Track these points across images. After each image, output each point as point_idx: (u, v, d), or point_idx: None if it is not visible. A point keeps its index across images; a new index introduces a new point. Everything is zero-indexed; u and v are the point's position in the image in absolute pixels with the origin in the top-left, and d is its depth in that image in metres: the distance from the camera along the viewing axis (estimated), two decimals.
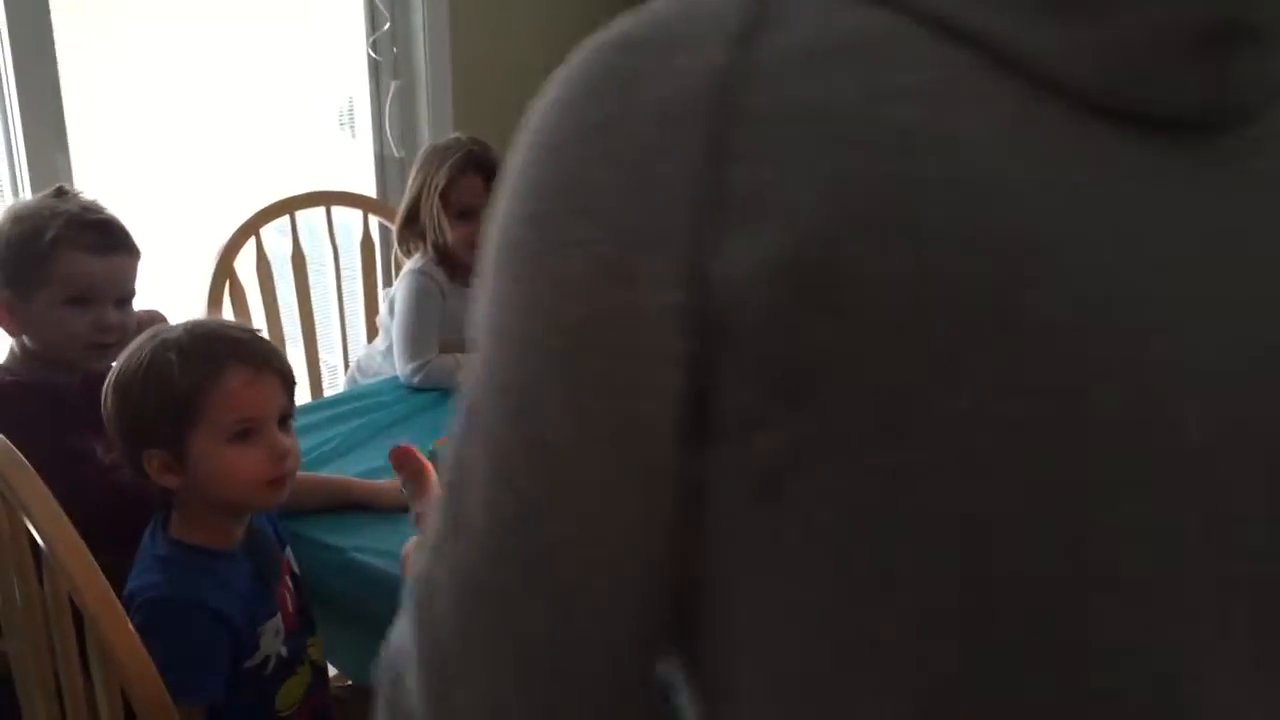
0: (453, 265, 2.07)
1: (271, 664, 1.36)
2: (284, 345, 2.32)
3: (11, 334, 1.60)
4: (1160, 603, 0.48)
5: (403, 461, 0.95)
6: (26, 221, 1.56)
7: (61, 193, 1.62)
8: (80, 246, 1.56)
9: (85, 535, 1.17)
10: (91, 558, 1.07)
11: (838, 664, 0.49)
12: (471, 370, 0.54)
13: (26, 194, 2.27)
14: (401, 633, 0.56)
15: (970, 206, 0.45)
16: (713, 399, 0.48)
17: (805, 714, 0.51)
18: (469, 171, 2.03)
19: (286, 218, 2.36)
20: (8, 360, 1.63)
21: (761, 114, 0.46)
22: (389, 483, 1.60)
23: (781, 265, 0.45)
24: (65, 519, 1.08)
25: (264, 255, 2.31)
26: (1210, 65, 0.47)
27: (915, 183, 0.45)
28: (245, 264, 2.29)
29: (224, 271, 2.24)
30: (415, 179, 2.08)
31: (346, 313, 2.47)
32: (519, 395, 0.50)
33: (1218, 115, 0.48)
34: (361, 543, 1.48)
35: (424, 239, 2.07)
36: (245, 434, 1.32)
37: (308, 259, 2.38)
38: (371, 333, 2.48)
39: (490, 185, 2.02)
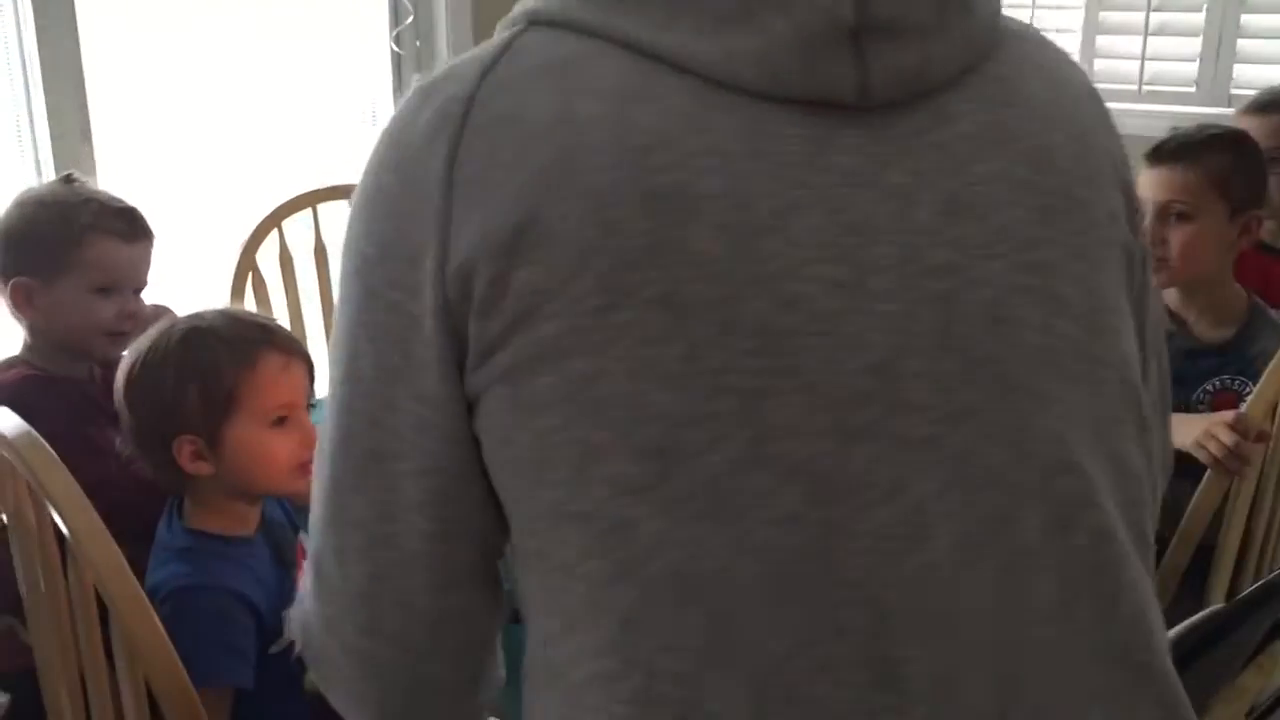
0: None
1: (297, 648, 1.36)
2: (305, 339, 2.32)
3: (25, 321, 1.60)
4: (811, 408, 0.63)
5: None
6: (54, 208, 1.56)
7: (69, 180, 1.63)
8: (112, 233, 1.57)
9: (108, 529, 1.17)
10: (118, 550, 1.07)
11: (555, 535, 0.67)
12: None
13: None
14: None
15: (635, 173, 0.62)
16: (465, 336, 0.66)
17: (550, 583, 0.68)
18: None
19: (309, 211, 2.36)
20: (22, 352, 1.63)
21: (479, 125, 0.65)
22: None
23: (492, 235, 0.63)
24: (92, 511, 1.08)
25: (286, 248, 2.31)
26: (852, 57, 0.63)
27: (591, 156, 0.63)
28: (266, 257, 2.29)
29: (247, 264, 2.24)
30: None
31: None
32: (347, 347, 0.71)
33: (867, 98, 0.64)
34: None
35: None
36: (282, 420, 1.33)
37: (329, 253, 2.38)
38: None
39: None
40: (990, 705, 0.64)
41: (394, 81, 3.04)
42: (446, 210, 0.65)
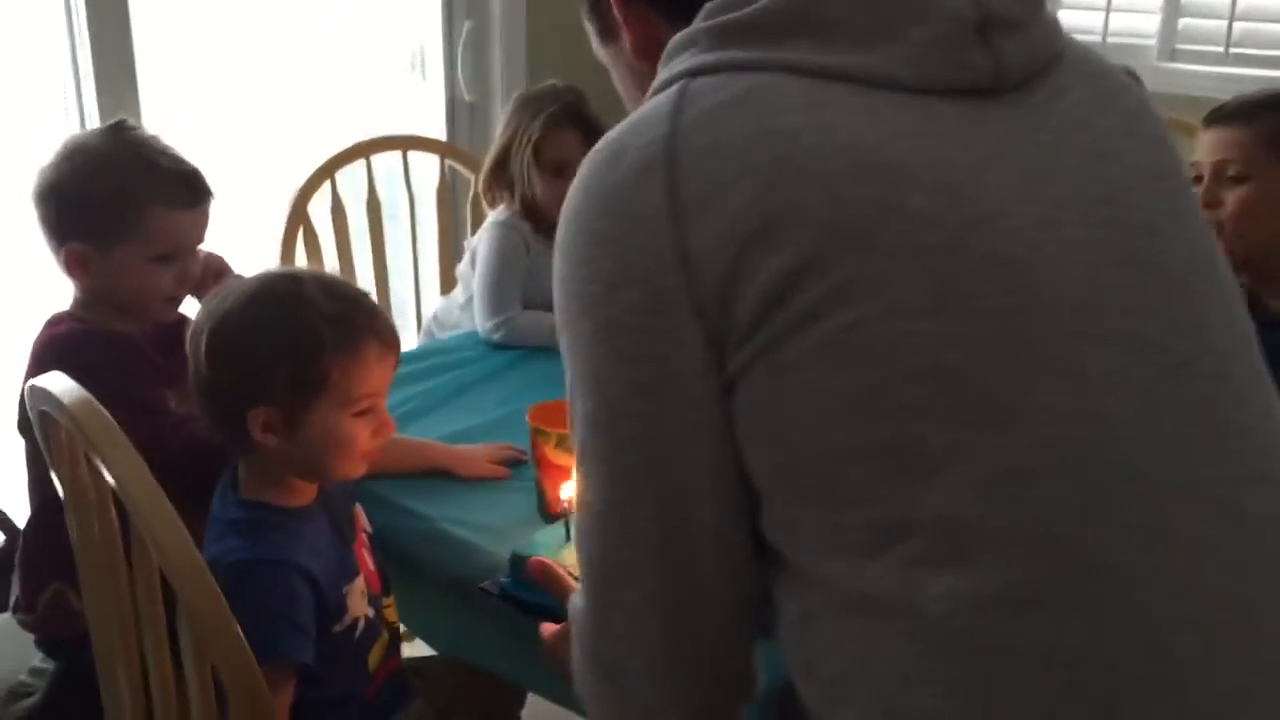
0: (539, 219, 1.98)
1: (360, 627, 1.29)
2: None
3: (79, 284, 1.52)
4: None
5: (542, 573, 1.12)
6: (111, 173, 1.46)
7: (122, 128, 1.53)
8: (173, 203, 1.48)
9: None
10: (183, 527, 1.00)
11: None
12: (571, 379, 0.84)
13: None
14: (578, 589, 0.90)
15: (850, 159, 0.75)
16: (723, 329, 0.76)
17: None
18: (564, 125, 1.94)
19: (360, 162, 2.28)
20: (72, 307, 1.55)
21: (690, 155, 0.77)
22: (473, 449, 1.54)
23: (736, 238, 0.75)
24: (156, 486, 1.02)
25: (339, 200, 2.24)
26: (983, 48, 0.79)
27: (807, 155, 0.75)
28: (317, 208, 2.22)
29: (298, 216, 2.17)
30: (506, 127, 1.98)
31: (421, 261, 2.39)
32: (592, 378, 0.81)
33: (1002, 82, 0.79)
34: (450, 512, 1.41)
35: (511, 191, 1.98)
36: (366, 409, 1.26)
37: (381, 203, 2.31)
38: (446, 282, 2.41)
39: (587, 140, 1.93)
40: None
41: (443, 29, 2.95)
42: (679, 232, 0.76)
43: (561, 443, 1.37)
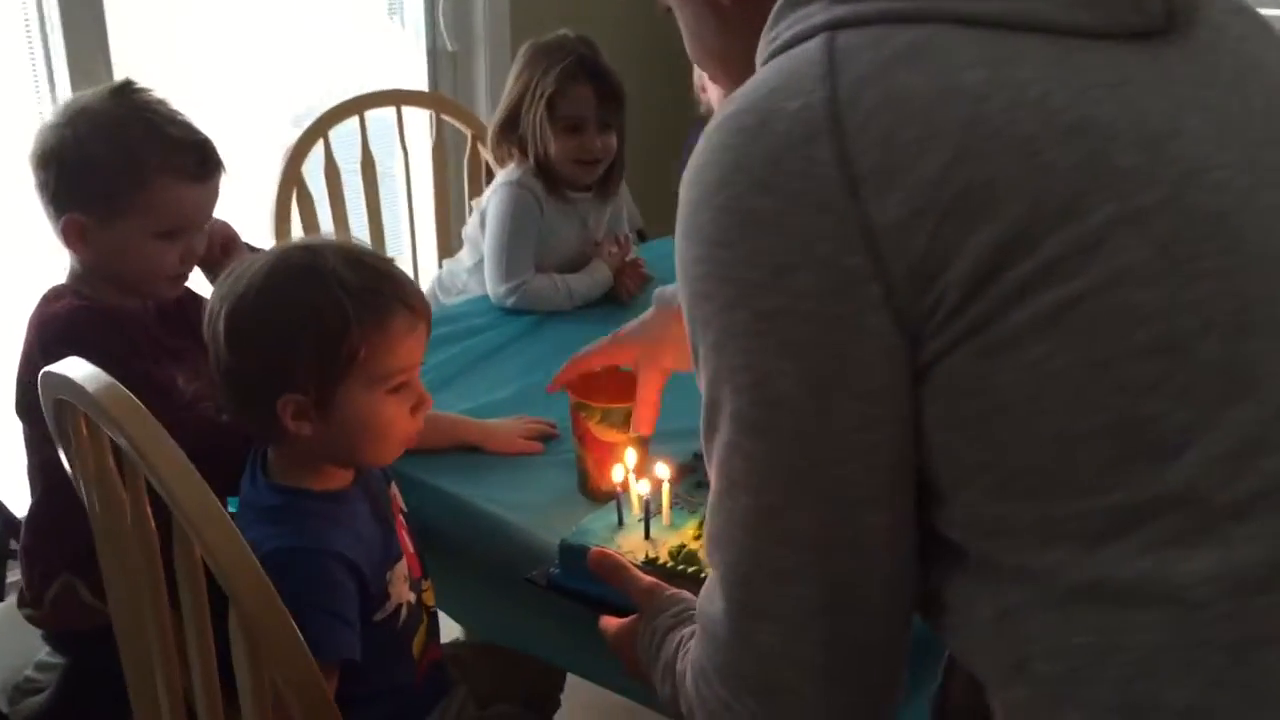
0: (552, 178, 1.90)
1: (404, 614, 1.23)
2: None
3: (78, 256, 1.42)
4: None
5: (604, 567, 1.06)
6: (117, 141, 1.36)
7: (128, 90, 1.42)
8: (182, 176, 1.38)
9: None
10: (235, 529, 0.92)
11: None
12: (712, 384, 0.77)
13: (63, 94, 2.08)
14: (708, 596, 0.83)
15: (1047, 118, 0.68)
16: (918, 310, 0.69)
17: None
18: (580, 80, 1.84)
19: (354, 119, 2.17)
20: (69, 280, 1.45)
21: (861, 118, 0.69)
22: (505, 422, 1.46)
23: (930, 208, 0.67)
24: (202, 482, 0.93)
25: (333, 160, 2.13)
26: None
27: (999, 116, 0.68)
28: (310, 169, 2.12)
29: (291, 177, 2.07)
30: (517, 81, 1.89)
31: (417, 221, 2.30)
32: (748, 376, 0.73)
33: (1173, 21, 0.74)
34: (484, 491, 1.33)
35: (523, 148, 1.89)
36: (399, 386, 1.18)
37: (376, 162, 2.21)
38: (442, 243, 2.31)
39: (601, 96, 1.85)
40: None
41: None
42: (857, 206, 0.68)
43: (606, 418, 1.30)
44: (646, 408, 1.30)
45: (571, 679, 1.50)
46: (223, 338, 1.15)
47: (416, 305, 1.20)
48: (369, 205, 2.20)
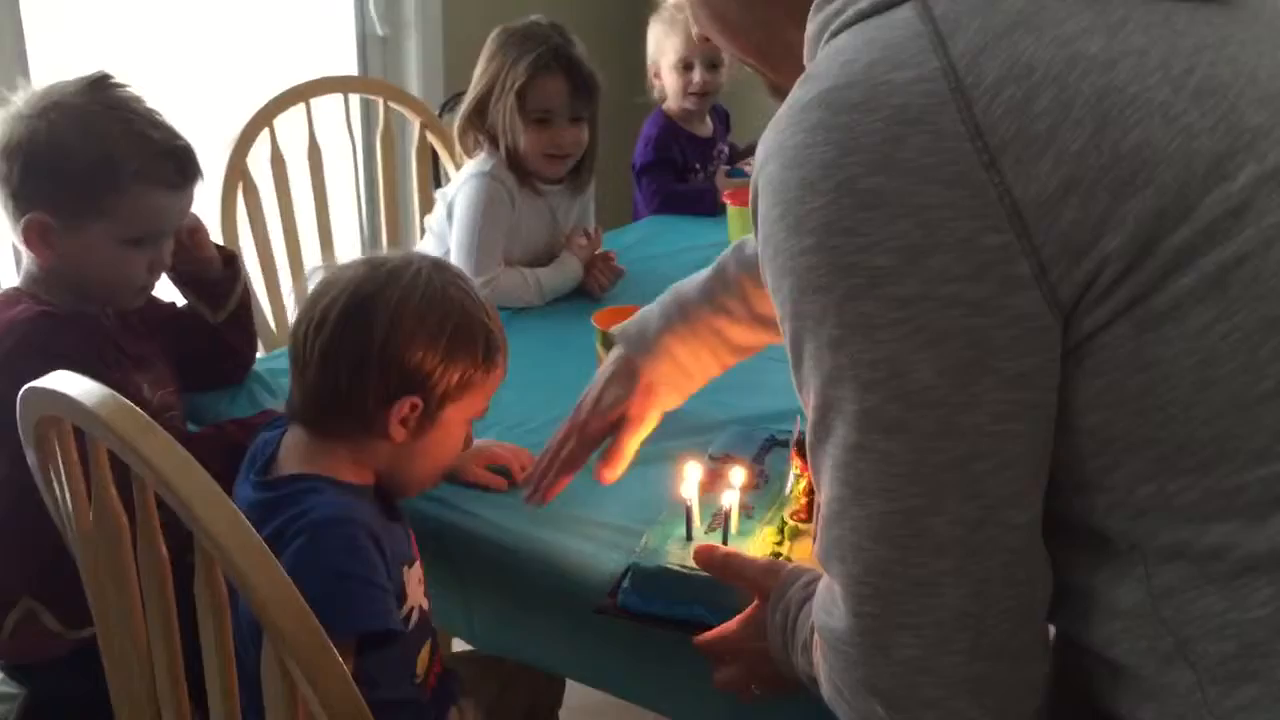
0: (523, 170, 1.83)
1: (415, 619, 1.16)
2: (299, 249, 2.08)
3: (37, 259, 1.31)
4: None
5: (714, 559, 1.02)
6: (94, 140, 1.26)
7: (104, 84, 1.31)
8: (159, 184, 1.29)
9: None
10: (264, 544, 0.85)
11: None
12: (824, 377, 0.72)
13: None
14: (825, 609, 0.78)
15: (1175, 83, 0.66)
16: (1072, 286, 0.66)
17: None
18: (552, 71, 1.78)
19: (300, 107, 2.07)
20: (25, 283, 1.35)
21: (988, 88, 0.65)
22: (469, 453, 1.33)
23: (1083, 178, 0.65)
24: (228, 500, 0.86)
25: (278, 148, 2.03)
26: None
27: (1132, 83, 0.66)
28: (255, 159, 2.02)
29: (237, 167, 1.96)
30: (486, 69, 1.81)
31: (364, 214, 2.21)
32: (881, 371, 0.69)
33: None
34: (477, 497, 1.29)
35: (492, 139, 1.82)
36: (469, 423, 1.20)
37: (323, 151, 2.11)
38: (392, 235, 2.23)
39: (574, 88, 1.78)
40: None
41: None
42: (997, 178, 0.65)
43: None
44: (621, 458, 1.26)
45: (571, 693, 1.46)
46: (384, 326, 1.10)
47: (505, 359, 1.21)
48: (316, 195, 2.10)
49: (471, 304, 1.15)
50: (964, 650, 0.72)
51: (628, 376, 1.26)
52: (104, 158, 1.26)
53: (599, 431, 1.26)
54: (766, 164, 0.73)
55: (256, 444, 1.20)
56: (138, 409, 0.91)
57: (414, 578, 1.16)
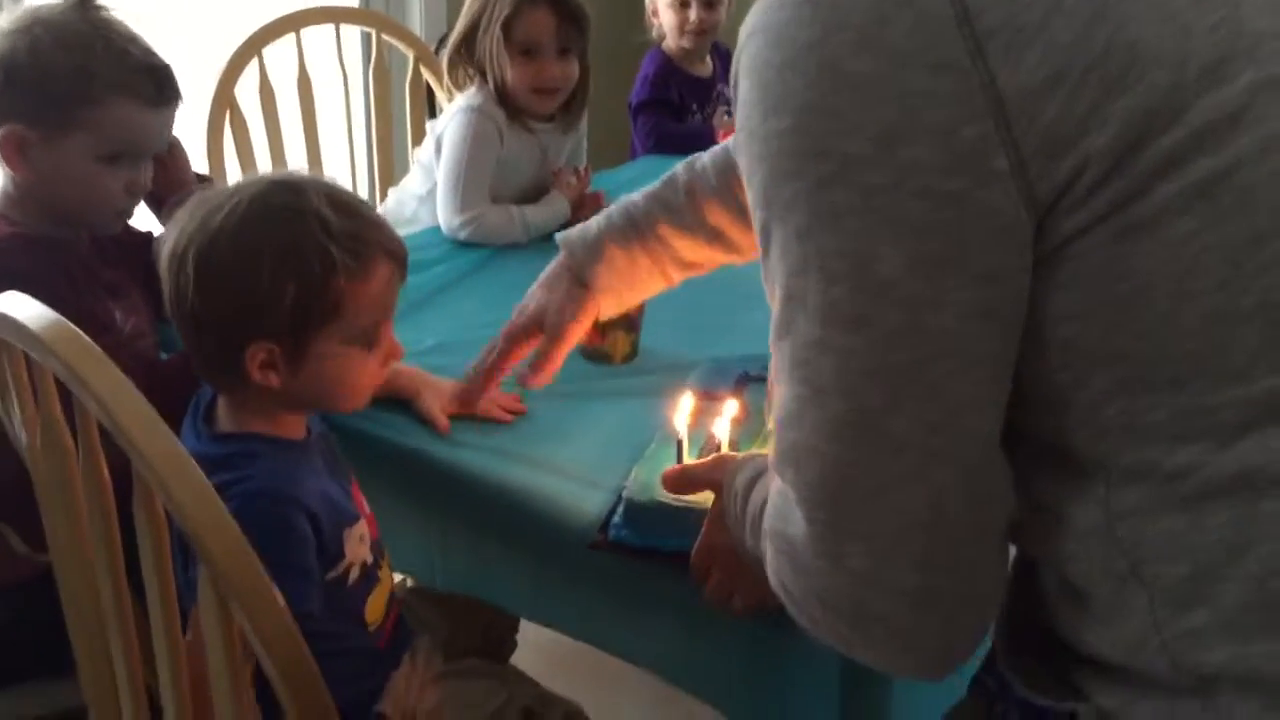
0: (511, 103, 1.80)
1: (355, 573, 1.15)
2: None
3: (13, 175, 1.31)
4: None
5: (678, 480, 1.01)
6: (73, 52, 1.25)
7: (89, 4, 1.31)
8: (135, 97, 1.28)
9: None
10: (202, 475, 0.85)
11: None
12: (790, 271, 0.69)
13: None
14: (779, 514, 0.76)
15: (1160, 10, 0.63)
16: (1050, 185, 0.64)
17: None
18: (538, 3, 1.75)
19: (290, 37, 2.05)
20: (1, 203, 1.34)
21: None
22: (449, 384, 1.31)
23: (1071, 71, 0.62)
24: (168, 430, 0.85)
25: (267, 79, 2.01)
26: None
27: None
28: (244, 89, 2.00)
29: (224, 98, 1.95)
30: (473, 3, 1.78)
31: (356, 146, 2.19)
32: (848, 261, 0.66)
33: None
34: (433, 435, 1.26)
35: (483, 73, 1.79)
36: (376, 337, 1.11)
37: (313, 82, 2.09)
38: (384, 171, 2.21)
39: (561, 19, 1.75)
40: None
41: None
42: (981, 66, 0.62)
43: None
44: (549, 363, 1.24)
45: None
46: (191, 278, 1.05)
47: (399, 254, 1.12)
48: (305, 128, 2.09)
49: (295, 220, 1.05)
50: (915, 562, 0.70)
51: (565, 281, 1.24)
52: (80, 68, 1.25)
53: (522, 334, 1.24)
54: (748, 42, 0.70)
55: (199, 394, 1.18)
56: (82, 334, 0.91)
57: (355, 535, 1.14)
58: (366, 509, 1.20)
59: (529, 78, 1.77)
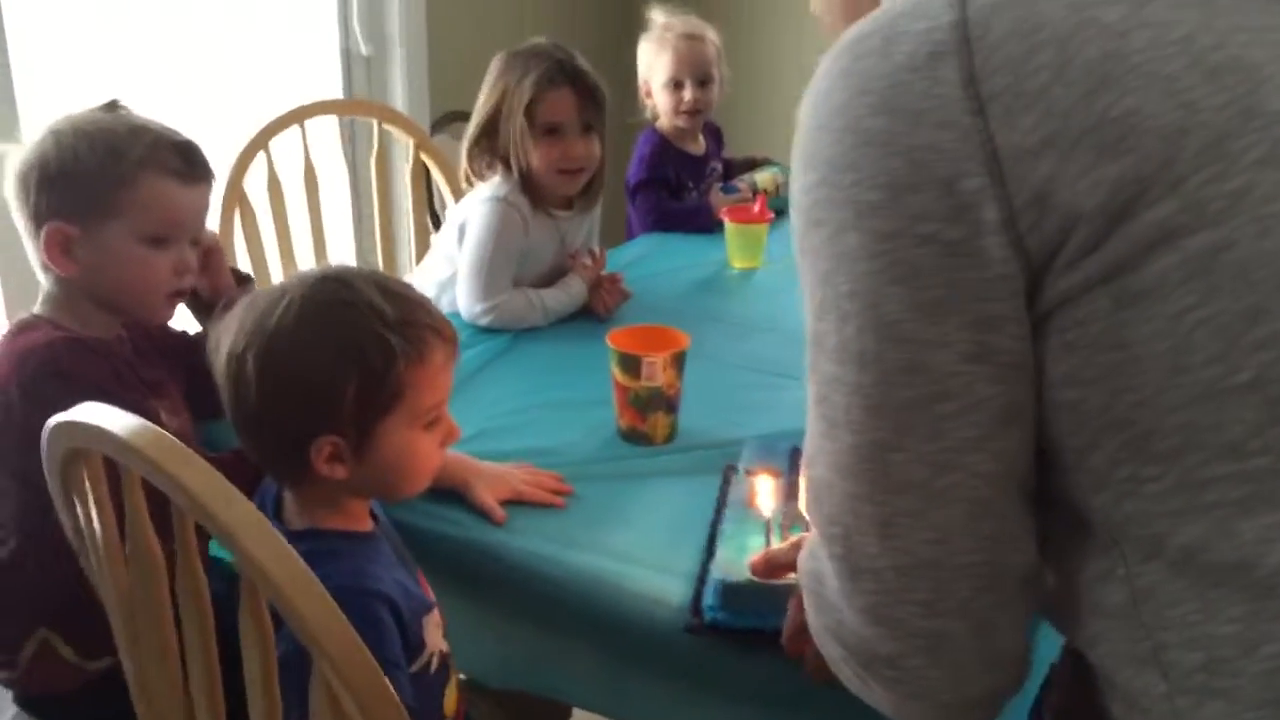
0: (538, 193, 1.82)
1: (435, 663, 1.14)
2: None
3: (60, 274, 1.30)
4: None
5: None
6: (99, 139, 1.26)
7: (114, 106, 1.33)
8: (168, 172, 1.28)
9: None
10: (321, 586, 0.84)
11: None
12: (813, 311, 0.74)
13: None
14: (809, 552, 0.80)
15: (1192, 58, 0.65)
16: (1040, 244, 0.67)
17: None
18: (559, 84, 1.76)
19: (295, 129, 2.07)
20: (44, 307, 1.33)
21: (993, 41, 0.67)
22: (502, 469, 1.33)
23: (1064, 135, 0.65)
24: (268, 523, 0.85)
25: (274, 172, 2.02)
26: None
27: (1140, 52, 0.65)
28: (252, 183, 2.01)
29: (234, 192, 1.95)
30: (492, 91, 1.80)
31: (362, 235, 2.20)
32: (859, 301, 0.71)
33: None
34: (490, 525, 1.26)
35: (505, 161, 1.81)
36: (435, 420, 1.11)
37: (318, 174, 2.10)
38: (387, 257, 2.22)
39: (582, 98, 1.78)
40: None
41: None
42: (982, 126, 0.67)
43: (620, 363, 1.40)
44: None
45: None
46: (253, 379, 1.05)
47: (449, 334, 1.13)
48: (312, 218, 2.09)
49: (350, 313, 1.06)
50: (922, 602, 0.72)
51: None
52: (109, 151, 1.26)
53: None
54: (800, 110, 0.76)
55: (263, 488, 1.17)
56: (172, 437, 0.90)
57: (432, 623, 1.14)
58: (432, 596, 1.20)
59: (554, 159, 1.79)
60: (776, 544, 1.10)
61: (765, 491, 1.12)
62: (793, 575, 1.02)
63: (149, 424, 0.93)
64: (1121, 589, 0.70)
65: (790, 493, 1.17)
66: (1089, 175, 0.65)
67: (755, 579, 1.05)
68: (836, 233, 0.71)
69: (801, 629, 0.97)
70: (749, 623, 1.05)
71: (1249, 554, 0.65)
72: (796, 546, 1.00)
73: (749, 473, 1.26)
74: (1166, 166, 0.64)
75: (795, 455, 1.31)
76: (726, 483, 1.32)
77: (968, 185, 0.67)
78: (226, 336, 1.09)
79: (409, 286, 1.16)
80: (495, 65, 1.81)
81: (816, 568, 0.79)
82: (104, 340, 1.32)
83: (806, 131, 0.74)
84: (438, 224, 2.50)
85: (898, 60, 0.69)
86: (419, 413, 1.10)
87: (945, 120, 0.67)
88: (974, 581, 0.72)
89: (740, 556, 1.09)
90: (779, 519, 1.13)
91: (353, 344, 1.05)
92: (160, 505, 0.94)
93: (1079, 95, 0.65)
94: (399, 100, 2.93)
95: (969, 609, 0.73)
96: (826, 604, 0.78)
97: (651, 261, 2.16)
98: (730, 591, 1.06)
